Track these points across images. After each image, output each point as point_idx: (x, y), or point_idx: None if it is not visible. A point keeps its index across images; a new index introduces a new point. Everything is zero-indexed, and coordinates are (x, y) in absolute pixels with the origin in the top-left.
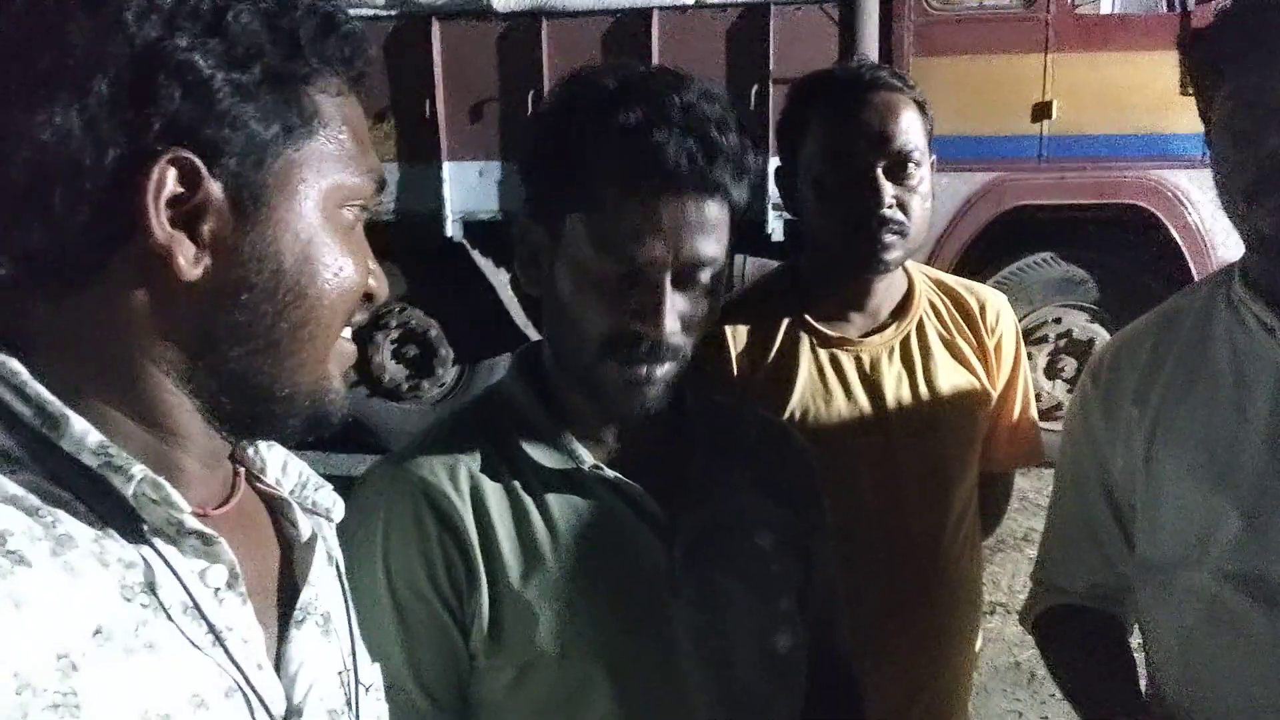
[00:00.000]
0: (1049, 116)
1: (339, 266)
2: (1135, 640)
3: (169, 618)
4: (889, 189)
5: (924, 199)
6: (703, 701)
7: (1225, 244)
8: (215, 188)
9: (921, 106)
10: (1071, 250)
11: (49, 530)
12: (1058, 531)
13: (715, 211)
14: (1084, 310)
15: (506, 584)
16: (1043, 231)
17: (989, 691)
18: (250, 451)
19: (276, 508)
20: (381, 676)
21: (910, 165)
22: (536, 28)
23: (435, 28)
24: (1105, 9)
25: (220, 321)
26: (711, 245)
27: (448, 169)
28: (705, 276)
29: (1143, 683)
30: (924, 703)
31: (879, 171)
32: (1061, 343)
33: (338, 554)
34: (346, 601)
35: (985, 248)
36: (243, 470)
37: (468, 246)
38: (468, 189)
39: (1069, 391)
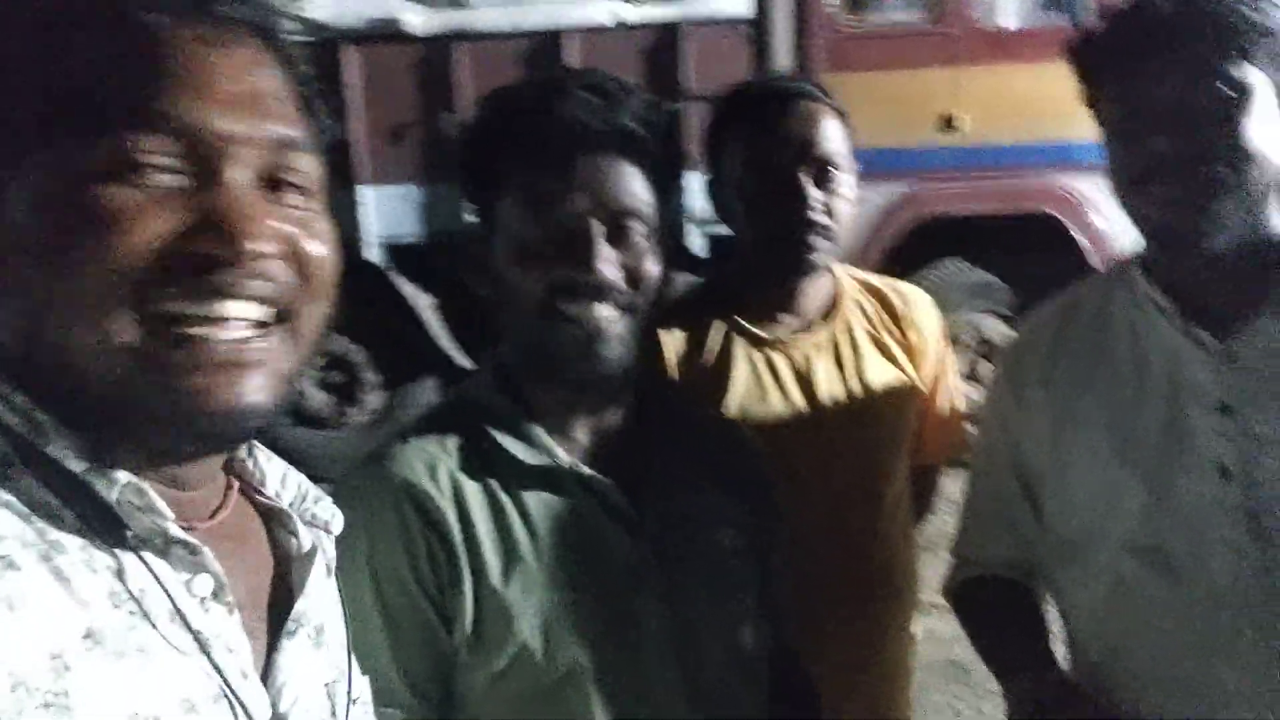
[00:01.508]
0: (957, 128)
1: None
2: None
3: (153, 625)
4: (815, 194)
5: (848, 203)
6: (673, 697)
7: (1127, 246)
8: None
9: (842, 115)
10: (984, 257)
11: (40, 536)
12: (974, 510)
13: (630, 160)
14: (999, 315)
15: (488, 580)
16: (956, 239)
17: (927, 688)
18: (250, 464)
19: (275, 519)
20: (369, 683)
21: (833, 171)
22: (451, 50)
23: (346, 51)
24: (1005, 23)
25: None
26: (633, 194)
27: (365, 193)
28: (638, 231)
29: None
30: (865, 690)
31: (804, 178)
32: (978, 347)
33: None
34: (344, 613)
35: (902, 257)
36: (236, 484)
37: (390, 271)
38: (388, 213)
39: None
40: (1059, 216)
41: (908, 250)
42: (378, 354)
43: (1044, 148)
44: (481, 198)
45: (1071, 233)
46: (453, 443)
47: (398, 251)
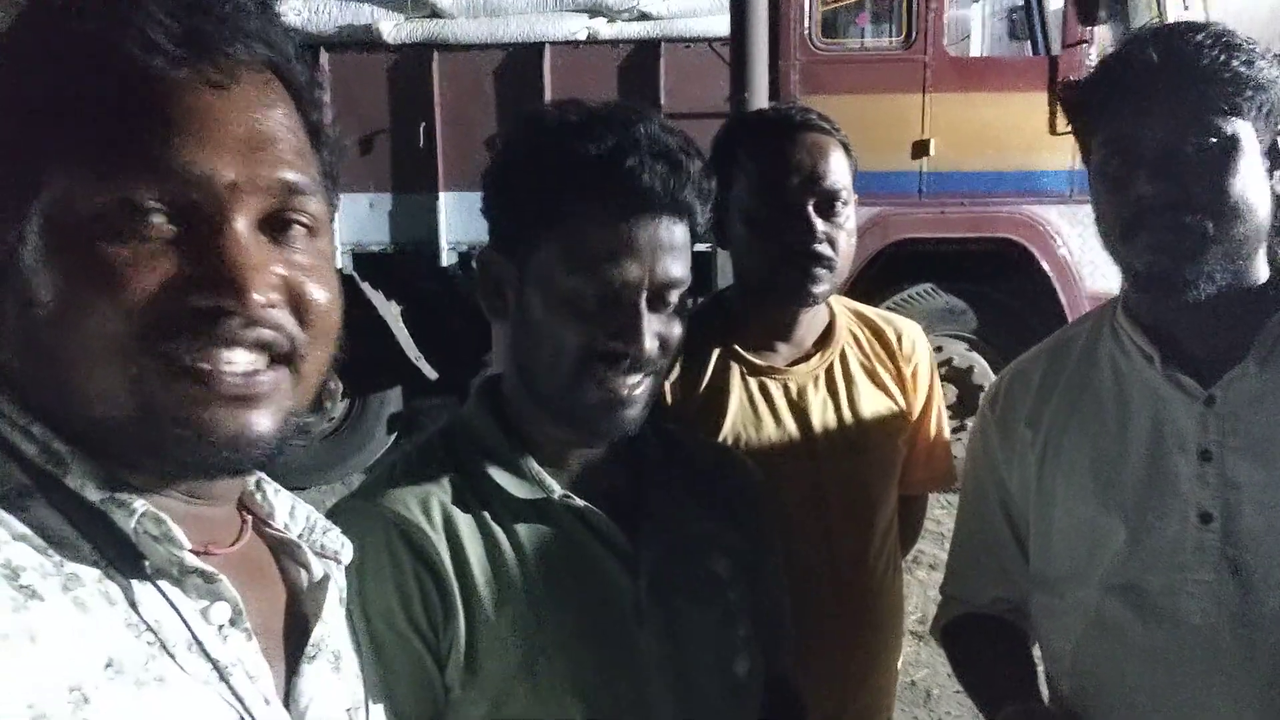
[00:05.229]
0: (928, 154)
1: None
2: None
3: (172, 655)
4: (819, 225)
5: (850, 235)
6: None
7: (1092, 275)
8: None
9: (846, 147)
10: (951, 282)
11: (58, 568)
12: (962, 547)
13: (683, 233)
14: (963, 339)
15: (482, 614)
16: (924, 263)
17: None
18: (259, 497)
19: (285, 551)
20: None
21: (838, 203)
22: (427, 60)
23: (322, 58)
24: (974, 51)
25: None
26: (680, 266)
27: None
28: (675, 297)
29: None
30: (852, 715)
31: (810, 208)
32: (942, 370)
33: (345, 595)
34: (356, 642)
35: (871, 280)
36: (250, 518)
37: (357, 279)
38: (357, 221)
39: (951, 417)
40: (1026, 244)
41: (880, 274)
42: (342, 362)
43: (1013, 176)
44: (519, 234)
45: (1038, 261)
46: (445, 475)
47: (365, 260)
